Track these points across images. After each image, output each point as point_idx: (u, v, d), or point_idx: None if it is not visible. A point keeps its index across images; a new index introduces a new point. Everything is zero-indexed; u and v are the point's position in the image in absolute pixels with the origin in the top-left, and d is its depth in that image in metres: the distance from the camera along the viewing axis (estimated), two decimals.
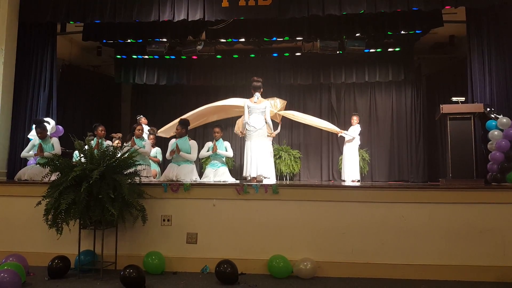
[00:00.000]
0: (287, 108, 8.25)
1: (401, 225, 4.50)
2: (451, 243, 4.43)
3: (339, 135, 8.29)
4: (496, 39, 6.05)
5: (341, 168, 8.73)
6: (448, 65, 9.11)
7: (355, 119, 8.16)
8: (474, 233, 4.41)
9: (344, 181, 8.11)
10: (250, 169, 5.74)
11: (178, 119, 6.39)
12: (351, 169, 7.97)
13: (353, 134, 8.02)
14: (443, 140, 8.28)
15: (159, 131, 7.50)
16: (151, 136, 7.35)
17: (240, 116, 7.24)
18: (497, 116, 5.60)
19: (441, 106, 5.70)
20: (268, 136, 6.18)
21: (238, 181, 5.76)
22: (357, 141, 8.06)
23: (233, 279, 4.12)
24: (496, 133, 5.53)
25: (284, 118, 8.13)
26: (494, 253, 4.36)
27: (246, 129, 5.90)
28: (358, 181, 8.00)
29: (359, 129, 8.08)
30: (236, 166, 9.54)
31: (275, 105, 7.75)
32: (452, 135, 5.60)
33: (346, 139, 8.15)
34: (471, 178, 5.38)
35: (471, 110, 5.63)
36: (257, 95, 5.91)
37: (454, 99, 5.83)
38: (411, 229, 4.48)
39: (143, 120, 7.89)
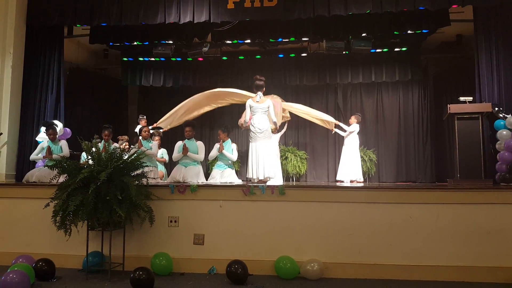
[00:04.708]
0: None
1: (408, 226, 4.47)
2: (459, 244, 4.39)
3: (333, 131, 8.18)
4: (504, 37, 6.00)
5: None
6: (456, 64, 9.04)
7: (353, 118, 8.05)
8: (483, 234, 4.37)
9: (341, 181, 7.87)
10: (257, 171, 5.67)
11: (174, 110, 6.88)
12: (352, 169, 7.82)
13: (349, 129, 7.90)
14: (450, 140, 8.22)
15: (158, 122, 7.50)
16: (157, 138, 7.36)
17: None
18: (506, 115, 5.55)
19: (448, 106, 5.67)
20: (272, 133, 6.10)
21: (244, 183, 5.74)
22: (356, 140, 7.95)
23: (243, 279, 4.16)
24: (504, 132, 5.49)
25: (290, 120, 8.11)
26: (503, 254, 4.32)
27: (251, 130, 5.79)
28: (361, 181, 7.85)
29: (358, 128, 7.96)
30: (242, 167, 9.54)
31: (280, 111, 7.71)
32: (460, 135, 5.57)
33: (342, 134, 8.06)
34: (480, 179, 5.35)
35: (479, 109, 5.60)
36: (260, 94, 5.73)
37: (461, 98, 5.80)
38: (418, 230, 4.45)
39: (142, 122, 7.84)
